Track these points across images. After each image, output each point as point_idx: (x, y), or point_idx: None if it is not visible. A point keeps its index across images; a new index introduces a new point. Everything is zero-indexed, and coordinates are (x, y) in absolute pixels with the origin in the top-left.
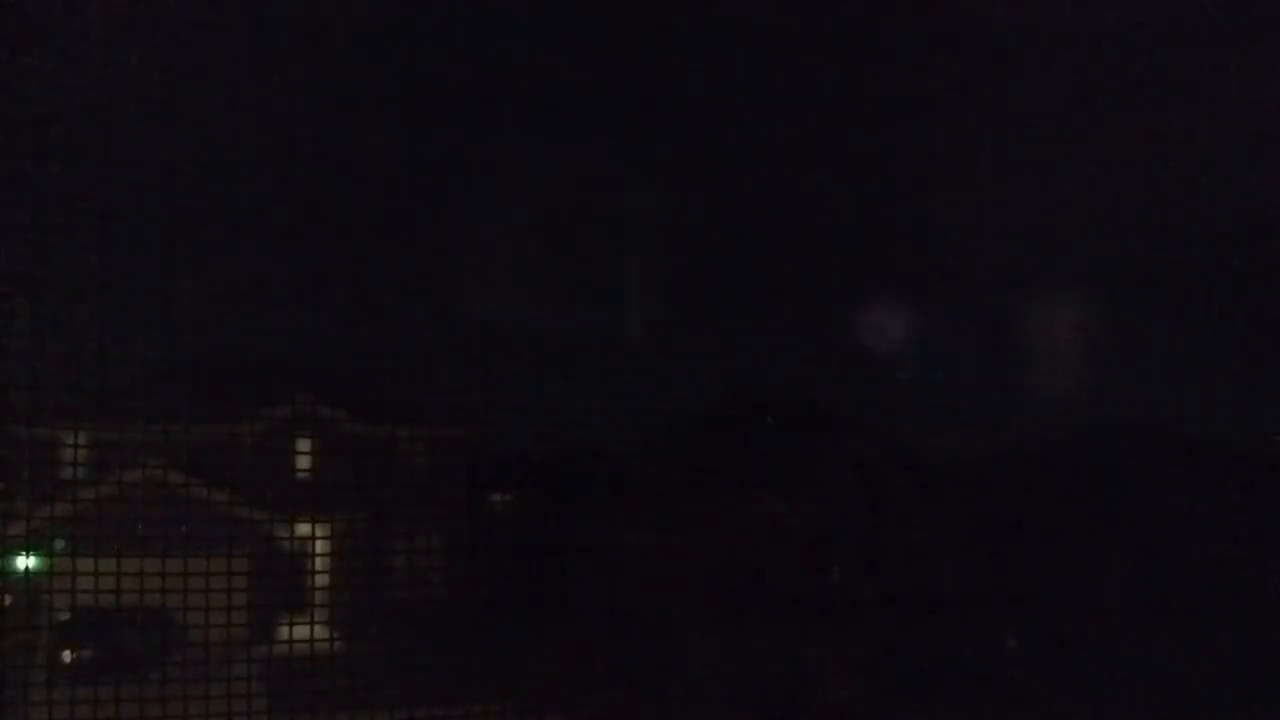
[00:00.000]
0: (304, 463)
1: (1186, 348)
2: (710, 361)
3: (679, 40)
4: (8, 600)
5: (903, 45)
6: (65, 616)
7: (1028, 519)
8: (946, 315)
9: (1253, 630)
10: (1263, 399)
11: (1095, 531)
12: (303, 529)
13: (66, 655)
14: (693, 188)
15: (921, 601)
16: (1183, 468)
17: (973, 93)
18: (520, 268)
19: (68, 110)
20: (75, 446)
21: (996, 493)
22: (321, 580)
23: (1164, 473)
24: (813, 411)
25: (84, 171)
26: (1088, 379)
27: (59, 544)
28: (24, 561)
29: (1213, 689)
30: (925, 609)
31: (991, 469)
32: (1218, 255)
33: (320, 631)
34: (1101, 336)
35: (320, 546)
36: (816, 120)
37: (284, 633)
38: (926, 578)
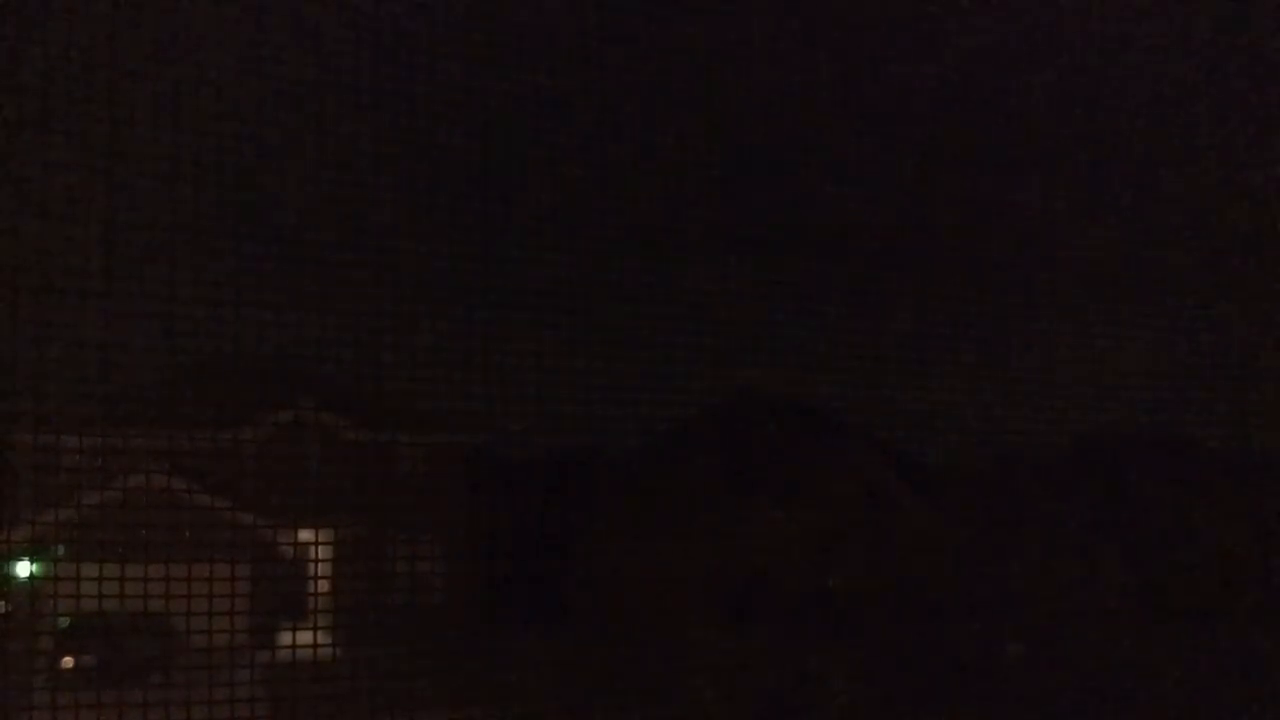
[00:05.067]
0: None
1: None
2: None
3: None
4: (8, 606)
5: None
6: (67, 623)
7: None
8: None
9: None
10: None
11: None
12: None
13: (68, 662)
14: None
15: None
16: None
17: None
18: None
19: None
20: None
21: None
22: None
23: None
24: None
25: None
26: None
27: (59, 550)
28: (26, 567)
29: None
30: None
31: None
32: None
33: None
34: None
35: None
36: None
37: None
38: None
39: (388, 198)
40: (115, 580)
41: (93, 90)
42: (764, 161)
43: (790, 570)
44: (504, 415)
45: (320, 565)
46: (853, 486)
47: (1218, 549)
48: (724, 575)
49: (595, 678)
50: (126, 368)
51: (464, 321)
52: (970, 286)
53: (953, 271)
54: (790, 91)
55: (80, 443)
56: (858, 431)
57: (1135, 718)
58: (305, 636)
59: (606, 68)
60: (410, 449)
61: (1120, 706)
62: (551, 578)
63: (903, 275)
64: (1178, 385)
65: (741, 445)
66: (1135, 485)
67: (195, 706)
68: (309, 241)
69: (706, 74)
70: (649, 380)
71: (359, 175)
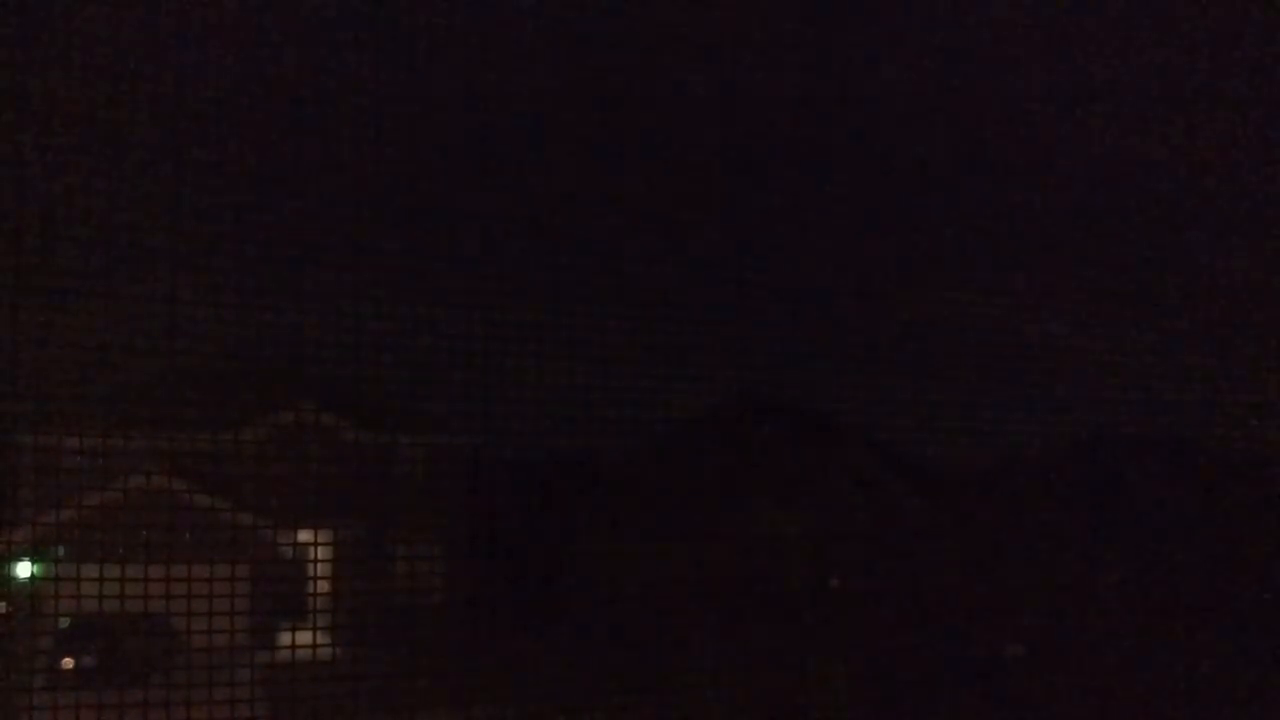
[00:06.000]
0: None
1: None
2: None
3: None
4: (9, 607)
5: None
6: (66, 624)
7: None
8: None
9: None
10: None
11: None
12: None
13: (68, 662)
14: None
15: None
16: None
17: None
18: None
19: None
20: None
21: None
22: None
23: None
24: None
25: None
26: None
27: (60, 550)
28: (26, 568)
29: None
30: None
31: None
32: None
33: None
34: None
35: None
36: None
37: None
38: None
39: (388, 199)
40: (115, 581)
41: (93, 90)
42: (763, 161)
43: (790, 571)
44: (504, 416)
45: (320, 566)
46: (852, 487)
47: (1217, 549)
48: (723, 576)
49: (595, 678)
50: (127, 368)
51: (464, 322)
52: (971, 286)
53: (953, 271)
54: (785, 90)
55: (80, 443)
56: (857, 432)
57: (1135, 718)
58: (305, 637)
59: (605, 65)
60: (410, 450)
61: (1120, 706)
62: (551, 578)
63: (902, 274)
64: (1178, 385)
65: (741, 446)
66: (1135, 485)
67: (195, 707)
68: (309, 242)
69: (704, 74)
70: (648, 381)
71: (359, 176)
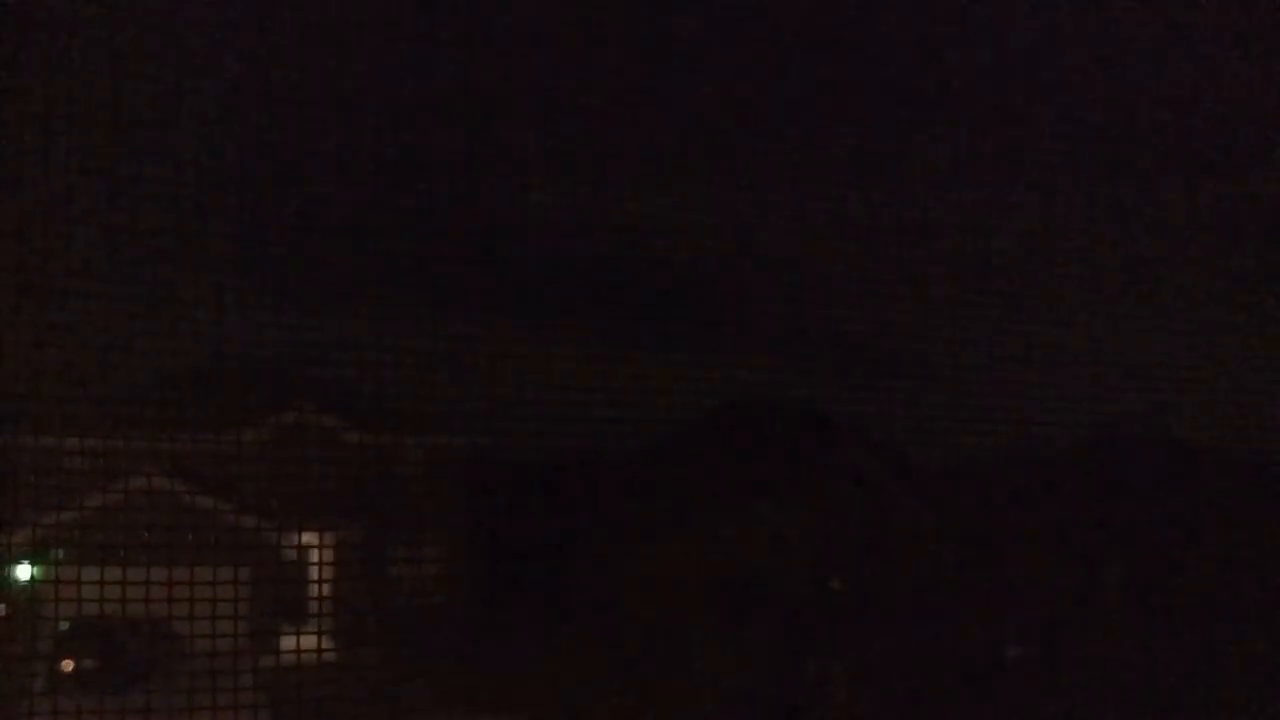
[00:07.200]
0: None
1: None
2: None
3: None
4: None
5: None
6: (65, 626)
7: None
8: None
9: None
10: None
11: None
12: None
13: (67, 665)
14: None
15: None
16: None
17: None
18: None
19: None
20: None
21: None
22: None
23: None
24: None
25: None
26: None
27: (60, 552)
28: (26, 569)
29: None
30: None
31: None
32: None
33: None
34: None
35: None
36: None
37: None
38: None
39: (388, 199)
40: (117, 583)
41: (93, 90)
42: (763, 158)
43: (790, 572)
44: (504, 417)
45: (322, 568)
46: (852, 487)
47: (1218, 549)
48: (724, 577)
49: (595, 679)
50: (128, 369)
51: (464, 323)
52: (970, 286)
53: (953, 271)
54: (789, 88)
55: (81, 444)
56: (856, 432)
57: (1135, 718)
58: (307, 640)
59: (606, 65)
60: (412, 451)
61: (1120, 706)
62: (552, 580)
63: (902, 274)
64: (1178, 385)
65: (741, 447)
66: (1135, 485)
67: (197, 711)
68: (310, 242)
69: (706, 70)
70: (648, 381)
71: (359, 176)
